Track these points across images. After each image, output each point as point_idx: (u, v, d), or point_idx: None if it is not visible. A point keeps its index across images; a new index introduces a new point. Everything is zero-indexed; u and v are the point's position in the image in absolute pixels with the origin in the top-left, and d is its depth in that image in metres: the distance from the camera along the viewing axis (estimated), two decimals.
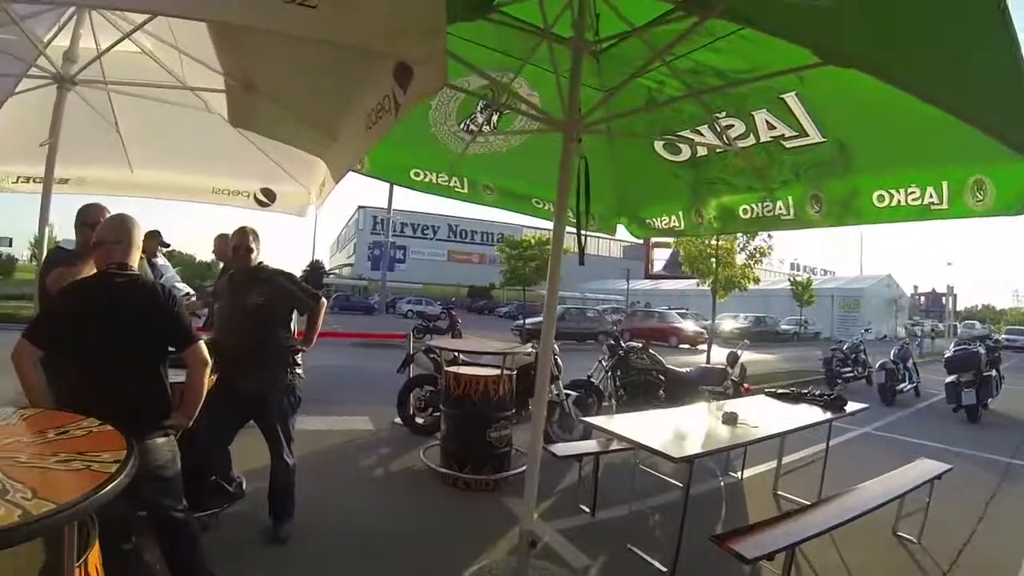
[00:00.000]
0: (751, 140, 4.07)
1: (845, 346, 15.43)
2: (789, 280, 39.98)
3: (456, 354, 7.26)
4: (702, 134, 4.27)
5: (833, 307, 46.98)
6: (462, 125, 4.61)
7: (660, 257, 73.23)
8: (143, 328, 2.92)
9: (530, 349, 7.22)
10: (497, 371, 6.15)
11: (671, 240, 59.72)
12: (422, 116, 4.40)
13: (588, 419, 4.92)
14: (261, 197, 6.08)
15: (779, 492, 5.92)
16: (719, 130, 4.03)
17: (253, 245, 4.28)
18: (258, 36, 3.06)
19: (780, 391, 6.22)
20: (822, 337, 40.66)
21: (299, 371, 4.43)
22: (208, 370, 3.03)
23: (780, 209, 4.41)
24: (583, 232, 3.49)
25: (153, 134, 5.40)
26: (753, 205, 4.66)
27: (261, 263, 4.39)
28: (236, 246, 4.27)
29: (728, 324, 34.31)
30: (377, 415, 8.42)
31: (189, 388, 3.00)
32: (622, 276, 52.80)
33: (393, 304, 50.44)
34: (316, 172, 4.90)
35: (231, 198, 6.10)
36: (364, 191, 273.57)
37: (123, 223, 3.07)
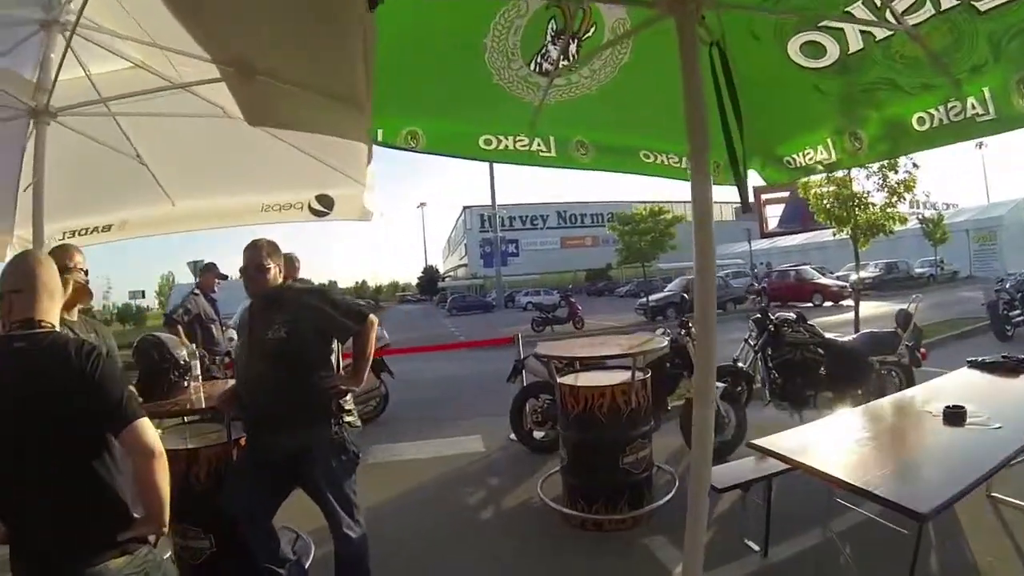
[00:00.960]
0: (927, 10, 2.74)
1: (1008, 284, 12.96)
2: (917, 218, 35.74)
3: (572, 361, 5.69)
4: (852, 15, 2.87)
5: (969, 242, 41.37)
6: (533, 65, 3.45)
7: (773, 214, 68.53)
8: (53, 411, 2.00)
9: (662, 336, 6.15)
10: (625, 373, 4.96)
11: (784, 193, 57.61)
12: (476, 63, 3.26)
13: (761, 443, 3.54)
14: (317, 206, 5.32)
15: (994, 495, 4.34)
16: (879, 3, 2.71)
17: (269, 262, 3.38)
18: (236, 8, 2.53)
19: (988, 360, 4.71)
20: (960, 277, 36.90)
21: (351, 419, 3.46)
22: (158, 462, 2.07)
23: (973, 108, 2.98)
24: (741, 163, 2.44)
25: (184, 161, 4.95)
26: (933, 111, 3.23)
27: (285, 283, 3.54)
28: (245, 267, 3.38)
29: (859, 274, 31.22)
30: (490, 432, 7.49)
31: (141, 491, 2.09)
32: (735, 239, 50.66)
33: (511, 298, 51.68)
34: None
35: (284, 213, 5.38)
36: (468, 191, 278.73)
37: (20, 264, 2.19)
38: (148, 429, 2.07)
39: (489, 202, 48.23)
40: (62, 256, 3.10)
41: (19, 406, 1.97)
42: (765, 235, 66.62)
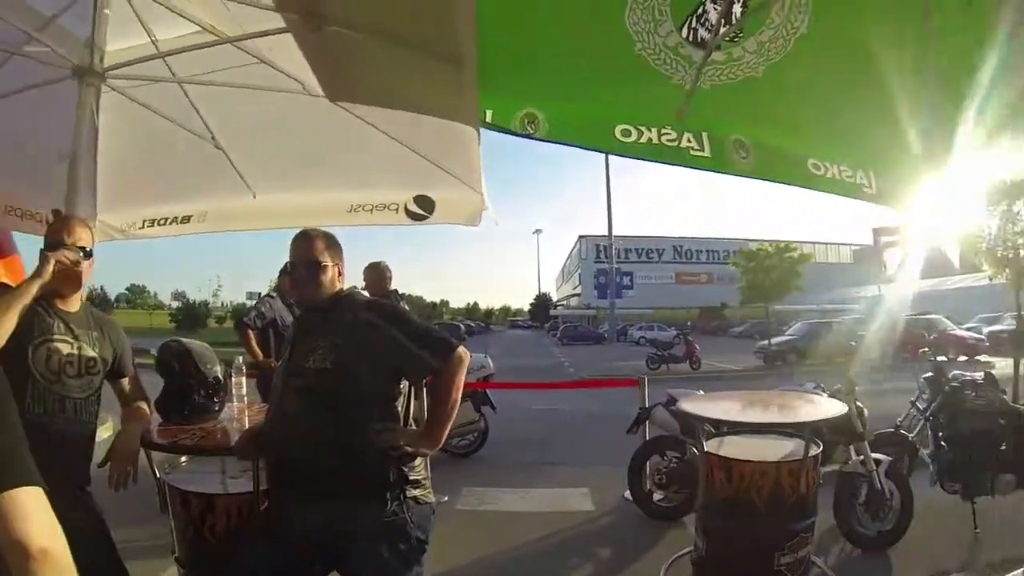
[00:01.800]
0: None
1: None
2: None
3: (718, 425, 4.57)
4: None
5: None
6: (686, 31, 2.70)
7: (892, 259, 64.45)
8: None
9: (815, 390, 5.25)
10: (786, 443, 3.92)
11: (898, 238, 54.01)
12: (614, 26, 2.57)
13: None
14: (415, 208, 4.70)
15: None
16: None
17: (325, 258, 2.48)
18: None
19: None
20: None
21: (419, 493, 2.43)
22: (39, 568, 1.17)
23: None
24: None
25: (264, 148, 4.48)
26: None
27: (343, 291, 2.60)
28: (291, 263, 2.53)
29: (994, 325, 27.87)
30: (601, 486, 6.34)
31: None
32: (850, 283, 48.23)
33: (624, 332, 51.76)
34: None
35: (376, 215, 4.78)
36: (583, 218, 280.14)
37: None
38: (24, 510, 1.23)
39: (604, 231, 47.41)
40: (59, 228, 2.46)
41: None
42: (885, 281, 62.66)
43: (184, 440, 2.84)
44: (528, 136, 2.80)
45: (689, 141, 3.05)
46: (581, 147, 3.14)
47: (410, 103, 3.19)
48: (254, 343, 5.61)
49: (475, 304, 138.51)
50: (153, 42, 3.30)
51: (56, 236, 2.41)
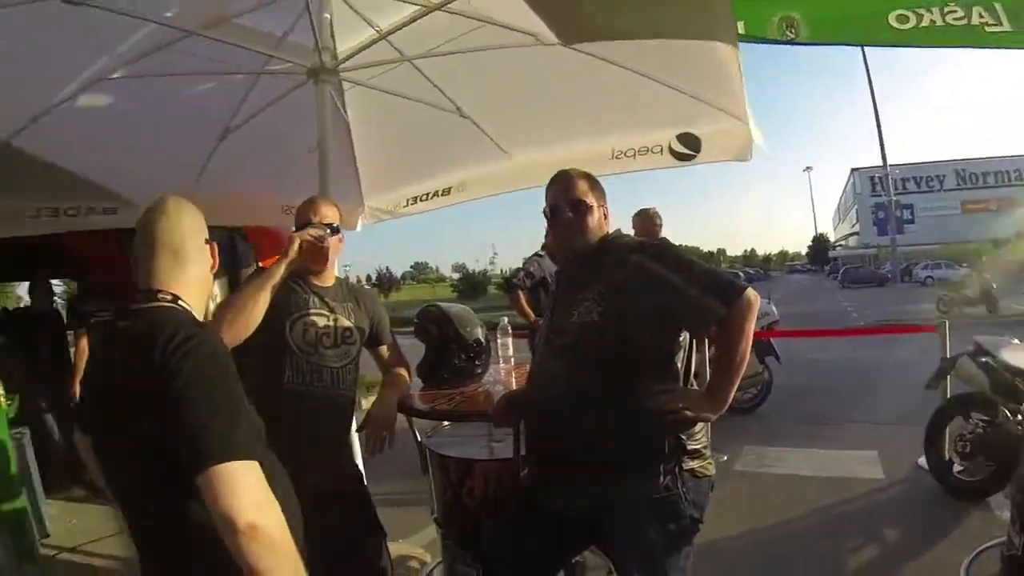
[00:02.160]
0: None
1: None
2: None
3: None
4: None
5: None
6: None
7: None
8: (132, 427, 1.40)
9: None
10: None
11: None
12: None
13: None
14: (680, 147, 4.27)
15: None
16: None
17: (589, 197, 2.23)
18: None
19: None
20: None
21: (698, 464, 2.15)
22: (249, 542, 1.22)
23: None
24: None
25: (511, 109, 4.36)
26: None
27: (609, 234, 2.31)
28: (551, 206, 2.30)
29: None
30: (890, 450, 5.70)
31: None
32: None
33: (908, 271, 47.02)
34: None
35: (640, 160, 4.43)
36: (852, 151, 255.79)
37: (144, 217, 1.64)
38: (236, 483, 1.26)
39: (877, 162, 42.73)
40: (305, 209, 2.58)
41: (96, 400, 1.55)
42: None
43: (442, 405, 2.90)
44: (789, 42, 2.56)
45: (981, 16, 2.53)
46: (849, 44, 2.71)
47: (652, 29, 2.94)
48: (524, 303, 5.59)
49: (752, 251, 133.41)
50: (376, 30, 3.39)
51: (303, 217, 2.53)
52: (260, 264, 5.96)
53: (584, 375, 2.10)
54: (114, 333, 1.59)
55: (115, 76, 3.26)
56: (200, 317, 1.64)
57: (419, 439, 3.12)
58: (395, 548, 3.95)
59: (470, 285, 57.57)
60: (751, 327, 2.02)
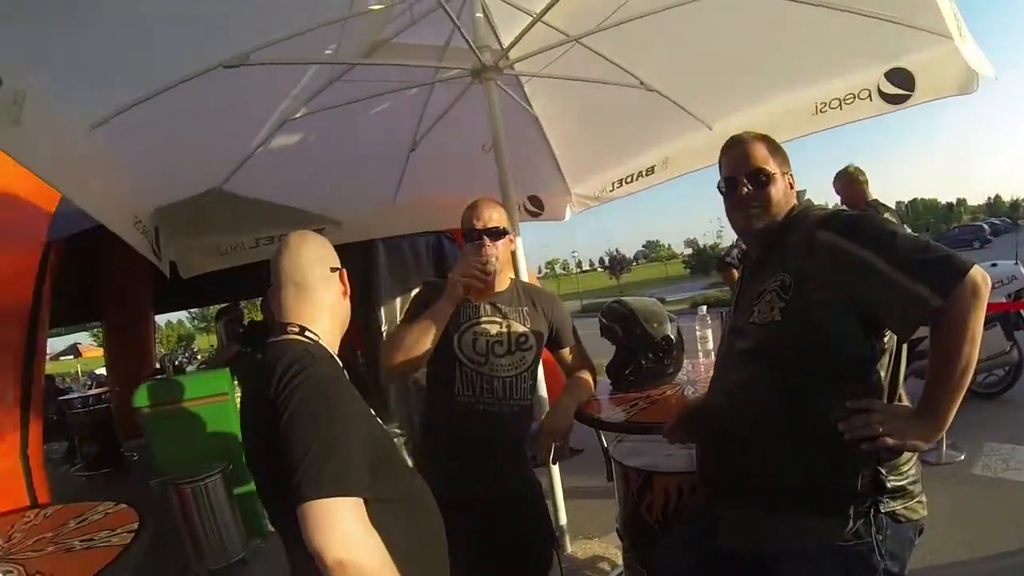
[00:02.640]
0: None
1: None
2: None
3: None
4: None
5: None
6: None
7: None
8: (249, 443, 1.61)
9: None
10: None
11: None
12: None
13: None
14: (890, 87, 3.63)
15: None
16: None
17: (770, 164, 1.85)
18: None
19: None
20: None
21: (900, 506, 1.67)
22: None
23: None
24: None
25: (698, 74, 3.96)
26: None
27: (796, 208, 1.89)
28: (728, 177, 1.91)
29: None
30: None
31: None
32: None
33: None
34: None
35: (847, 110, 3.82)
36: None
37: (272, 256, 1.71)
38: (325, 521, 1.27)
39: None
40: (468, 216, 2.47)
41: (243, 425, 1.66)
42: None
43: (622, 412, 2.69)
44: None
45: None
46: None
47: None
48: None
49: (996, 197, 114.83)
50: (531, 15, 3.23)
51: (466, 223, 2.44)
52: None
53: (761, 388, 1.77)
54: (254, 366, 1.66)
55: (298, 116, 3.51)
56: (334, 343, 1.66)
57: (605, 445, 2.93)
58: (589, 547, 3.87)
59: (701, 261, 55.81)
60: (978, 322, 1.52)
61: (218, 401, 4.82)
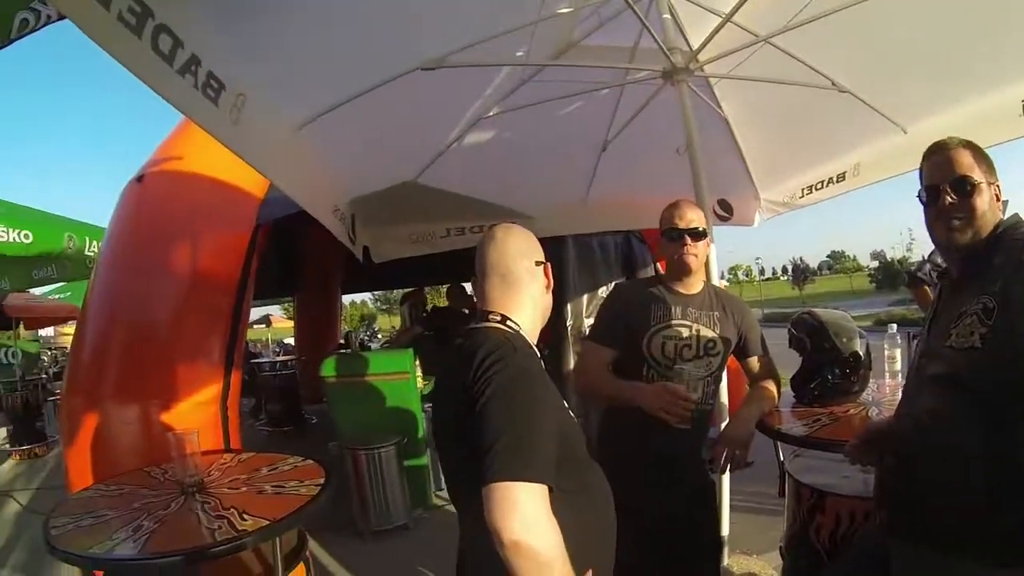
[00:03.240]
0: None
1: None
2: None
3: None
4: None
5: None
6: None
7: None
8: (447, 423, 1.67)
9: None
10: None
11: None
12: None
13: None
14: None
15: None
16: None
17: (975, 173, 1.71)
18: None
19: None
20: None
21: None
22: (513, 557, 1.30)
23: None
24: None
25: (894, 72, 3.65)
26: None
27: (1002, 221, 1.73)
28: (930, 187, 1.77)
29: None
30: None
31: None
32: None
33: None
34: None
35: None
36: None
37: (478, 247, 1.76)
38: (508, 502, 1.32)
39: None
40: (670, 215, 2.50)
41: (437, 406, 1.78)
42: None
43: (805, 427, 2.61)
44: None
45: None
46: None
47: None
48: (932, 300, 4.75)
49: None
50: (719, 15, 3.14)
51: (667, 222, 2.48)
52: (657, 264, 6.13)
53: (954, 418, 1.62)
54: (453, 350, 1.75)
55: (491, 115, 3.67)
56: (533, 334, 1.71)
57: (781, 458, 2.84)
58: (746, 563, 3.73)
59: (888, 275, 51.80)
60: None
61: (400, 379, 5.15)
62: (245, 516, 2.19)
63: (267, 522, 2.13)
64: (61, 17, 1.75)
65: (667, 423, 2.16)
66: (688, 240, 2.39)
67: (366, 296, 61.90)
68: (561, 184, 4.81)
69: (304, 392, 9.39)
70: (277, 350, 13.05)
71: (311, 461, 2.85)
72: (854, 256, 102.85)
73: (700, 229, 2.42)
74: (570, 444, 1.54)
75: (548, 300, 1.79)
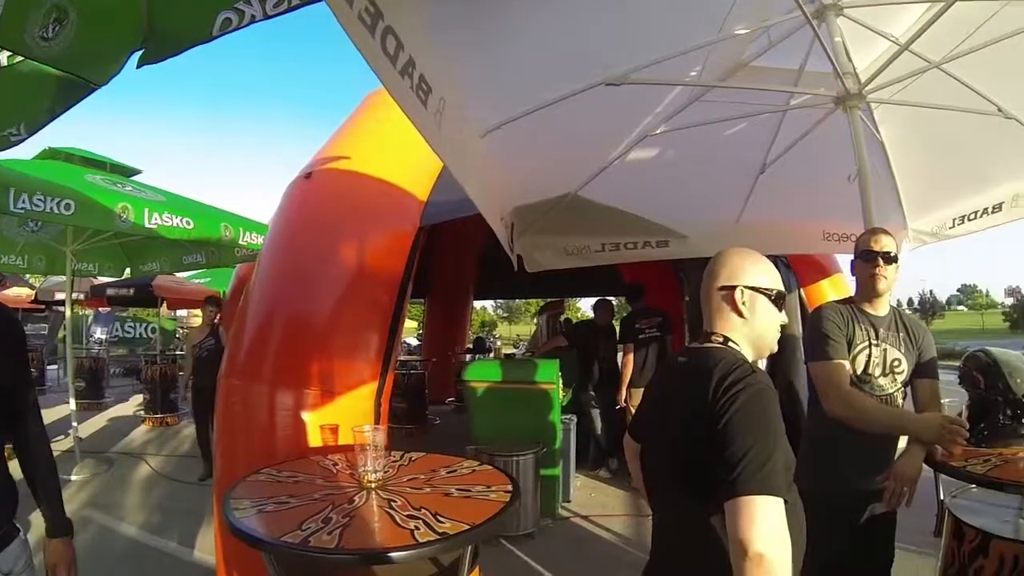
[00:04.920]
0: None
1: None
2: None
3: None
4: None
5: None
6: None
7: None
8: (679, 447, 1.72)
9: None
10: None
11: None
12: None
13: None
14: None
15: None
16: None
17: None
18: None
19: None
20: None
21: None
22: (749, 567, 1.38)
23: None
24: None
25: None
26: None
27: None
28: None
29: None
30: None
31: None
32: None
33: None
34: None
35: None
36: None
37: (725, 259, 1.85)
38: (753, 515, 1.40)
39: None
40: (865, 239, 2.67)
41: (653, 418, 1.86)
42: None
43: (975, 465, 2.58)
44: None
45: None
46: None
47: None
48: None
49: None
50: (893, 41, 3.19)
51: (863, 245, 2.65)
52: (802, 290, 6.05)
53: None
54: (674, 366, 1.87)
55: (657, 132, 3.73)
56: (750, 356, 1.75)
57: (941, 496, 2.81)
58: None
59: None
60: None
61: (545, 388, 5.31)
62: (440, 518, 2.21)
63: (467, 526, 2.14)
64: (267, 16, 1.89)
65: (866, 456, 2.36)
66: (880, 263, 2.55)
67: (487, 303, 62.84)
68: (716, 205, 4.85)
69: (430, 393, 9.72)
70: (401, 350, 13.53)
71: (488, 467, 2.94)
72: (987, 291, 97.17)
73: (892, 254, 2.58)
74: (792, 458, 1.60)
75: (770, 331, 1.80)
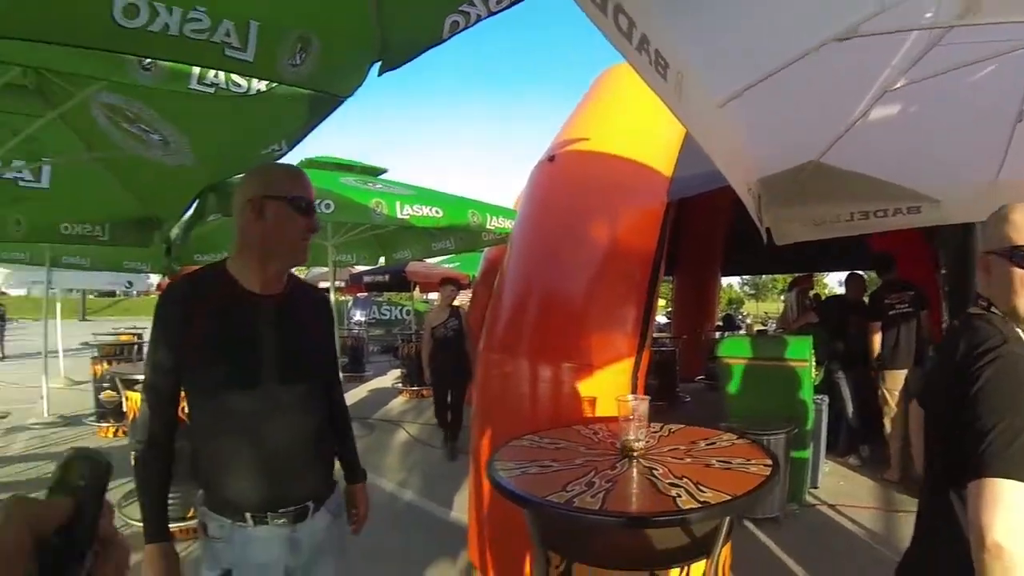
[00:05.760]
0: None
1: None
2: None
3: None
4: None
5: None
6: None
7: None
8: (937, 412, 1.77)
9: None
10: None
11: None
12: None
13: None
14: None
15: None
16: None
17: None
18: None
19: None
20: None
21: None
22: (990, 558, 1.30)
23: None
24: None
25: None
26: None
27: None
28: None
29: None
30: None
31: None
32: None
33: None
34: None
35: None
36: None
37: (1004, 216, 1.78)
38: (995, 498, 1.28)
39: None
40: None
41: (932, 385, 1.78)
42: None
43: None
44: None
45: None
46: None
47: None
48: None
49: None
50: None
51: None
52: None
53: None
54: (947, 332, 1.79)
55: (897, 87, 3.41)
56: (1014, 319, 1.60)
57: None
58: None
59: None
60: None
61: (798, 366, 5.14)
62: (702, 487, 2.18)
63: (728, 496, 2.10)
64: (491, 13, 1.94)
65: None
66: None
67: (733, 280, 61.03)
68: (968, 163, 4.31)
69: (681, 370, 9.80)
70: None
71: (745, 440, 2.88)
72: None
73: None
74: None
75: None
